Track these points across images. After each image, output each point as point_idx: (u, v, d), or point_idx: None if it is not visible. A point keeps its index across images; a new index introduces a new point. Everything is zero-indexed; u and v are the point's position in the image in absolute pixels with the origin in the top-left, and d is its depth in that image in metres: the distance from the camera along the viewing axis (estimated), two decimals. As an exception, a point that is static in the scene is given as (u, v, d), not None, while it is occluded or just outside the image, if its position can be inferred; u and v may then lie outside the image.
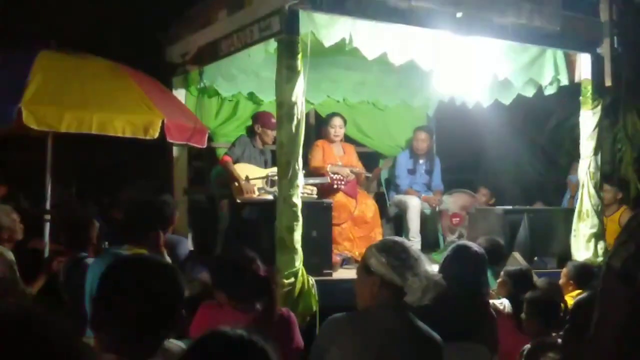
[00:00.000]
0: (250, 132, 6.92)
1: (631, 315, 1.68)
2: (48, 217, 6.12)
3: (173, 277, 2.11)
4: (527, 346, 3.77)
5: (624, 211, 7.38)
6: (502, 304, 4.45)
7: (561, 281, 5.28)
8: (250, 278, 3.65)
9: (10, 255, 4.98)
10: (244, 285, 3.62)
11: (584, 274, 5.25)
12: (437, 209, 7.65)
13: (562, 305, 4.12)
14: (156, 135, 5.84)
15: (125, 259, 2.23)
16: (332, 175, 6.91)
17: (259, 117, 6.96)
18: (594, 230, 6.46)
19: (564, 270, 5.43)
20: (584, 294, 3.97)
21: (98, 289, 2.07)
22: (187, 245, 6.65)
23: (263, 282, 3.70)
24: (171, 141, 6.17)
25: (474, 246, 3.84)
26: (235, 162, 6.60)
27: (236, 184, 6.45)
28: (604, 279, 1.78)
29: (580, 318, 2.88)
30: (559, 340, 3.61)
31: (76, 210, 5.89)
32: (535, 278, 4.81)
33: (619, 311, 1.71)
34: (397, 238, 3.05)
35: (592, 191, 6.51)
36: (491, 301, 4.24)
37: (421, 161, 7.91)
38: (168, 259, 4.82)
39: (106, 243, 5.40)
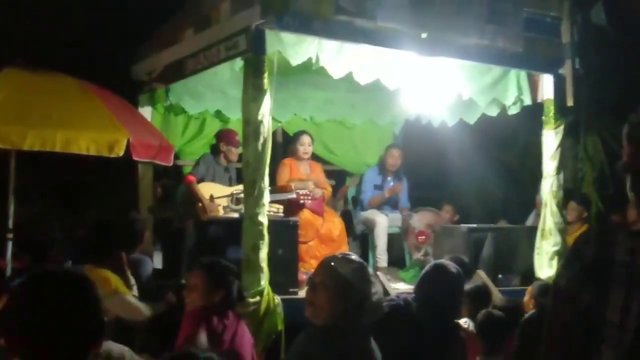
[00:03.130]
0: (215, 150, 6.91)
1: (577, 334, 1.71)
2: (10, 236, 6.03)
3: (75, 290, 1.98)
4: None
5: (585, 230, 7.48)
6: (466, 322, 4.49)
7: (525, 299, 5.34)
8: None
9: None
10: None
11: (544, 294, 5.31)
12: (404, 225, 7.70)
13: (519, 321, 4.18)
14: (121, 153, 5.80)
15: (24, 280, 2.03)
16: (297, 190, 6.91)
17: (223, 135, 6.96)
18: (557, 248, 6.54)
19: (529, 289, 5.49)
20: (531, 312, 4.03)
21: (6, 313, 1.96)
22: (151, 264, 6.60)
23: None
24: (137, 159, 6.13)
25: (452, 267, 3.75)
26: (200, 181, 6.58)
27: (200, 204, 6.42)
28: (551, 298, 1.81)
29: (527, 336, 2.92)
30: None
31: (39, 229, 5.81)
32: (500, 296, 4.86)
33: (566, 331, 1.73)
34: (354, 255, 3.00)
35: (555, 209, 6.59)
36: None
37: (389, 178, 7.96)
38: (132, 279, 4.82)
39: (69, 262, 5.33)
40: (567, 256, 1.82)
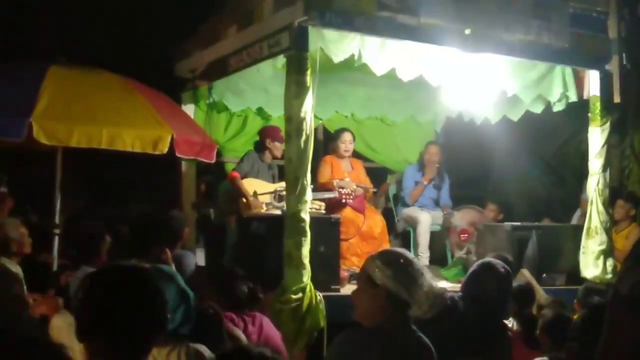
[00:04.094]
0: (259, 146, 6.93)
1: (638, 343, 1.64)
2: (57, 231, 6.14)
3: (150, 283, 2.11)
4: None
5: (633, 228, 7.36)
6: (511, 322, 4.44)
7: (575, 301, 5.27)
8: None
9: (18, 270, 4.99)
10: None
11: (588, 295, 5.23)
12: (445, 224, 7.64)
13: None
14: (165, 150, 5.86)
15: (103, 270, 2.24)
16: (339, 189, 6.90)
17: (268, 132, 6.98)
18: (603, 247, 6.43)
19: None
20: (581, 314, 3.96)
21: (79, 300, 2.10)
22: (194, 260, 6.64)
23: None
24: (180, 156, 6.18)
25: (500, 266, 3.69)
26: (244, 177, 6.61)
27: (244, 199, 6.46)
28: (611, 305, 1.72)
29: (579, 338, 2.85)
30: None
31: (88, 225, 5.91)
32: (544, 296, 4.80)
33: (626, 339, 1.65)
34: (400, 250, 2.95)
35: (601, 208, 6.48)
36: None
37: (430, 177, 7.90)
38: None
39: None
40: (629, 261, 1.73)
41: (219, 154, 7.09)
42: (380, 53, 5.77)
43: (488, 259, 3.96)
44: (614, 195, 6.84)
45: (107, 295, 2.03)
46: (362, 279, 2.82)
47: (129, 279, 2.09)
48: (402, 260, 2.78)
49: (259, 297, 4.28)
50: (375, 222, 7.06)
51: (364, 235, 6.91)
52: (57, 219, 6.21)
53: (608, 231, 6.50)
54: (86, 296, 2.06)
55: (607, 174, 6.57)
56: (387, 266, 2.73)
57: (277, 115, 7.44)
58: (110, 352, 1.99)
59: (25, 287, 4.94)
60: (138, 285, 2.08)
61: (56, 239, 6.12)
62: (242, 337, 3.76)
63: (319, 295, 5.28)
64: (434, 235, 7.61)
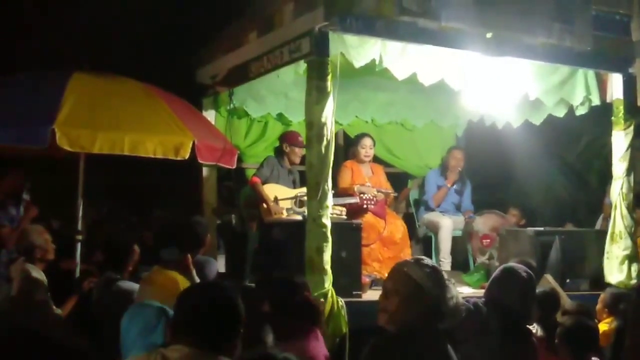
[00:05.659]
0: (278, 152, 6.94)
1: None
2: (79, 237, 6.17)
3: (236, 299, 2.53)
4: None
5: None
6: (535, 327, 4.39)
7: (598, 307, 5.21)
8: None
9: (42, 276, 5.03)
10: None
11: (618, 302, 5.17)
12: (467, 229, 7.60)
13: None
14: (187, 156, 5.88)
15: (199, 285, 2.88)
16: (360, 195, 6.88)
17: (286, 136, 7.00)
18: (627, 252, 6.35)
19: (602, 296, 5.35)
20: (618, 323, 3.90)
21: (178, 307, 2.55)
22: (216, 266, 6.66)
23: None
24: (201, 162, 6.20)
25: (522, 270, 3.64)
26: (264, 182, 6.62)
27: (265, 205, 6.46)
28: (635, 307, 1.71)
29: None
30: None
31: (118, 232, 5.95)
32: (569, 301, 4.74)
33: None
34: (427, 259, 2.94)
35: (625, 212, 6.41)
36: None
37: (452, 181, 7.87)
38: (197, 280, 4.86)
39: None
40: None
41: (239, 160, 7.10)
42: (401, 58, 5.75)
43: (510, 264, 3.92)
44: (638, 199, 6.75)
45: (206, 307, 2.49)
46: (392, 284, 2.80)
47: (223, 294, 2.53)
48: (436, 269, 2.80)
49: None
50: (397, 227, 7.03)
51: (385, 240, 6.87)
52: (79, 226, 6.24)
53: (632, 236, 6.43)
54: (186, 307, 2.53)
55: (631, 177, 6.50)
56: (421, 272, 2.75)
57: (297, 120, 7.46)
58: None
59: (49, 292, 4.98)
60: (230, 301, 2.53)
61: (79, 245, 6.15)
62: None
63: (341, 301, 5.26)
64: (455, 241, 7.57)
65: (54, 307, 5.06)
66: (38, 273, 5.02)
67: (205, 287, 2.90)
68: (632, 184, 6.50)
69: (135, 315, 3.17)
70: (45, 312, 4.91)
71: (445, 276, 2.81)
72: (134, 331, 3.07)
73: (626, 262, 6.35)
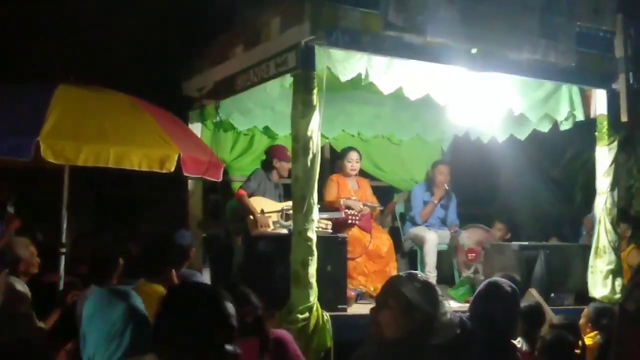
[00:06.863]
0: (266, 165, 6.94)
1: None
2: (64, 250, 6.13)
3: (221, 301, 2.36)
4: None
5: (632, 249, 7.31)
6: (520, 342, 4.40)
7: (581, 321, 5.22)
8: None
9: (26, 289, 4.99)
10: None
11: (601, 317, 5.18)
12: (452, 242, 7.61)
13: (579, 343, 4.07)
14: (172, 168, 5.86)
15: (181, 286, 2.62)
16: (346, 210, 6.89)
17: (274, 151, 6.99)
18: (611, 266, 6.39)
19: (585, 311, 5.37)
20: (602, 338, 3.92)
21: (161, 311, 2.36)
22: (201, 278, 6.63)
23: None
24: (187, 175, 6.18)
25: (506, 284, 3.64)
26: (251, 195, 6.61)
27: (251, 217, 6.46)
28: (619, 323, 1.73)
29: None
30: None
31: (102, 246, 5.91)
32: (554, 316, 4.76)
33: (634, 355, 1.67)
34: (420, 274, 2.93)
35: (609, 227, 6.44)
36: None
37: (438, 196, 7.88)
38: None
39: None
40: (635, 279, 1.75)
41: (225, 173, 7.09)
42: (387, 72, 5.78)
43: (495, 278, 3.93)
44: (622, 214, 6.80)
45: (189, 310, 2.30)
46: (384, 298, 2.80)
47: (201, 297, 2.35)
48: (426, 284, 2.80)
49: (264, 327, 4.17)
50: (382, 241, 7.03)
51: (371, 254, 6.88)
52: (63, 238, 6.21)
53: (616, 250, 6.46)
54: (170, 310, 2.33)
55: (615, 193, 6.54)
56: (413, 287, 2.74)
57: (283, 134, 7.46)
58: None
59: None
60: (209, 302, 2.34)
61: (62, 258, 6.11)
62: None
63: (326, 315, 5.25)
64: (441, 255, 7.58)
65: (37, 320, 5.01)
66: (22, 286, 4.98)
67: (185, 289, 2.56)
68: (615, 199, 6.54)
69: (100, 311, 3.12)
70: (29, 326, 4.86)
71: (439, 291, 2.80)
72: (98, 333, 3.03)
73: (610, 276, 6.38)
